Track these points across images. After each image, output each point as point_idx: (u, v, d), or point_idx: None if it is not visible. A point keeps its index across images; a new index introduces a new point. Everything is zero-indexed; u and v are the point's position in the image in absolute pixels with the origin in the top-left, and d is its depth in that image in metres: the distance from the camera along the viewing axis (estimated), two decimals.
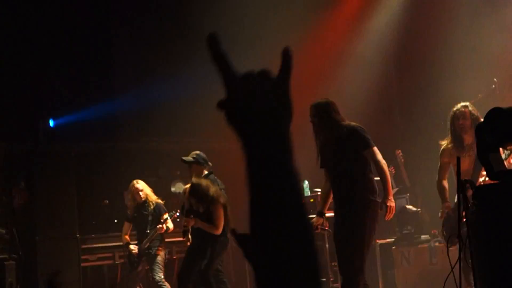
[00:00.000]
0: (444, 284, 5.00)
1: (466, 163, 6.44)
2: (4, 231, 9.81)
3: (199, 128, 11.63)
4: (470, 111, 6.95)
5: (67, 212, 10.53)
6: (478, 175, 6.42)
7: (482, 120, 5.55)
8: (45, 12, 11.37)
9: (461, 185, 4.68)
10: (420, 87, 11.78)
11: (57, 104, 11.76)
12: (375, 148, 6.33)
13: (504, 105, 4.43)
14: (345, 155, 6.34)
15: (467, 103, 7.07)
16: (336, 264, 9.56)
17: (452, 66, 11.07)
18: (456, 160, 4.84)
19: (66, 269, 9.75)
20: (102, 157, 12.04)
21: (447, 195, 7.04)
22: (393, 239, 9.72)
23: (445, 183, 7.10)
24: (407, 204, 10.30)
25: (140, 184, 9.35)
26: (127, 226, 9.45)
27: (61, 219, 10.43)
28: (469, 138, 6.85)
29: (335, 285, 9.49)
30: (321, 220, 6.67)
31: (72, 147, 11.46)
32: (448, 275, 4.82)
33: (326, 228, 6.83)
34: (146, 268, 9.30)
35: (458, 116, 6.97)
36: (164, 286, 8.97)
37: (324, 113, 6.40)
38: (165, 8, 12.29)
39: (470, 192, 4.48)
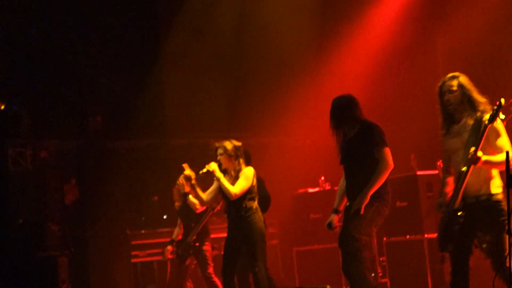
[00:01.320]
0: (494, 280, 4.94)
1: (458, 144, 5.44)
2: (56, 228, 9.98)
3: (247, 124, 11.70)
4: (460, 82, 5.48)
5: (117, 209, 10.65)
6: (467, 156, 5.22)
7: (476, 95, 5.39)
8: (92, 8, 11.48)
9: (510, 179, 4.61)
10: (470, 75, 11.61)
11: (107, 101, 11.87)
12: (386, 149, 6.18)
13: None
14: (358, 152, 6.27)
15: (457, 73, 5.58)
16: (383, 259, 9.56)
17: (494, 67, 10.91)
18: (506, 154, 4.75)
19: (116, 265, 9.86)
20: (152, 153, 12.13)
21: (447, 189, 5.61)
22: None
23: (449, 178, 5.64)
24: None
25: (186, 175, 9.30)
26: (180, 221, 9.41)
27: (111, 216, 10.55)
28: (460, 116, 5.46)
29: (383, 280, 9.43)
30: (337, 218, 6.58)
31: (122, 143, 11.58)
32: (497, 272, 4.76)
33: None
34: (194, 262, 9.29)
35: (444, 91, 5.53)
36: (213, 281, 8.97)
37: (343, 109, 6.37)
38: None
39: None
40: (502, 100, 5.05)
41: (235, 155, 7.64)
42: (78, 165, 10.97)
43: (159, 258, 10.62)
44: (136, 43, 11.99)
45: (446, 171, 5.65)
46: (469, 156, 5.11)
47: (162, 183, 11.52)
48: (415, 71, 11.96)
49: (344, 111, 6.39)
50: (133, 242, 10.74)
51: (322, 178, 10.46)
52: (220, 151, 7.63)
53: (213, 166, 7.51)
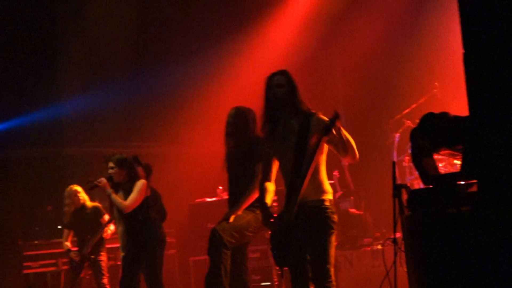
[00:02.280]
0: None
1: (284, 148, 5.03)
2: None
3: (145, 133, 11.61)
4: (288, 78, 5.16)
5: (9, 219, 10.36)
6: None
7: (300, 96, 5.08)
8: None
9: (397, 189, 4.76)
10: (365, 92, 11.94)
11: (0, 109, 11.57)
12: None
13: (445, 109, 4.49)
14: (241, 165, 6.35)
15: (286, 70, 5.23)
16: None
17: (394, 71, 11.26)
18: (392, 164, 4.90)
19: (7, 276, 9.59)
20: (46, 162, 11.88)
21: (267, 198, 5.18)
22: (336, 243, 9.78)
23: (268, 184, 5.21)
24: (351, 208, 10.41)
25: (78, 188, 9.20)
26: (66, 233, 9.29)
27: (3, 226, 10.26)
28: (284, 116, 5.08)
29: None
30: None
31: (15, 152, 11.29)
32: (383, 279, 4.89)
33: None
34: (89, 273, 9.18)
35: (271, 85, 5.13)
36: None
37: (240, 120, 6.43)
38: (114, 10, 12.22)
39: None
40: (337, 113, 4.74)
41: (127, 167, 7.57)
42: None
43: (52, 269, 10.41)
44: (31, 49, 11.73)
45: (267, 177, 5.23)
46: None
47: (56, 192, 11.28)
48: (316, 82, 12.19)
49: (245, 122, 6.47)
50: (25, 253, 10.46)
51: (220, 187, 10.50)
52: (111, 164, 7.55)
53: (102, 181, 7.43)
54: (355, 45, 12.03)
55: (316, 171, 4.92)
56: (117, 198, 7.41)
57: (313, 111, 5.07)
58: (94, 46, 12.23)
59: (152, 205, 7.70)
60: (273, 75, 5.19)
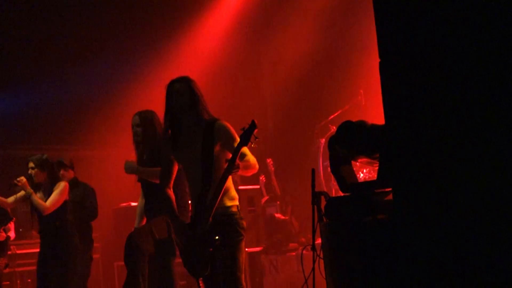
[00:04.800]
0: None
1: (190, 157, 4.96)
2: None
3: (69, 136, 11.41)
4: (190, 85, 5.01)
5: None
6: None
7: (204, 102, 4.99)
8: None
9: (316, 196, 4.77)
10: (292, 97, 11.99)
11: None
12: None
13: (368, 116, 4.50)
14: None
15: (187, 76, 5.09)
16: None
17: (321, 77, 11.35)
18: (312, 171, 4.91)
19: None
20: None
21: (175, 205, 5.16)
22: (261, 247, 9.81)
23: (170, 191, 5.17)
24: (276, 213, 10.43)
25: None
26: None
27: None
28: (187, 124, 5.01)
29: None
30: None
31: None
32: (302, 286, 4.89)
33: None
34: None
35: (171, 92, 5.00)
36: None
37: (148, 124, 6.38)
38: (41, 7, 11.98)
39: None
40: (255, 121, 4.73)
41: (48, 168, 7.42)
42: None
43: None
44: None
45: (168, 184, 5.12)
46: (229, 167, 4.69)
47: None
48: (244, 87, 12.20)
49: (145, 130, 6.40)
50: None
51: None
52: (31, 164, 7.39)
53: (22, 181, 7.25)
54: (283, 50, 12.09)
55: None
56: (37, 198, 7.25)
57: (216, 117, 5.01)
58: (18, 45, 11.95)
59: (71, 208, 7.55)
60: (173, 82, 5.03)
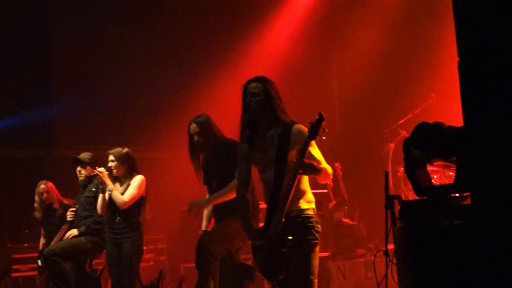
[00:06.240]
0: None
1: (264, 160, 4.86)
2: None
3: (138, 137, 11.51)
4: (265, 86, 4.89)
5: None
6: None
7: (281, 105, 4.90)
8: None
9: (389, 200, 4.65)
10: (361, 101, 11.85)
11: None
12: None
13: (442, 119, 4.37)
14: (222, 172, 6.22)
15: (265, 77, 5.00)
16: None
17: (391, 79, 11.19)
18: (385, 174, 4.79)
19: None
20: (36, 164, 11.77)
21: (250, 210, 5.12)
22: (329, 253, 9.70)
23: (249, 195, 5.08)
24: (344, 218, 10.30)
25: (47, 185, 8.94)
26: (43, 231, 9.02)
27: None
28: (262, 127, 4.90)
29: None
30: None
31: (4, 153, 11.21)
32: None
33: None
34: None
35: (246, 93, 4.89)
36: None
37: (207, 130, 6.31)
38: (105, 10, 12.16)
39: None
40: (322, 113, 4.64)
41: (127, 162, 7.44)
42: None
43: None
44: (24, 49, 11.66)
45: (246, 188, 5.02)
46: (296, 167, 4.58)
47: None
48: (312, 91, 12.11)
49: (212, 130, 6.35)
50: (14, 256, 10.36)
51: None
52: (111, 157, 7.41)
53: (104, 173, 7.28)
54: (352, 53, 11.96)
55: (299, 181, 4.75)
56: (117, 192, 7.28)
57: (294, 120, 4.90)
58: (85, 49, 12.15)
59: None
60: (249, 82, 4.93)
